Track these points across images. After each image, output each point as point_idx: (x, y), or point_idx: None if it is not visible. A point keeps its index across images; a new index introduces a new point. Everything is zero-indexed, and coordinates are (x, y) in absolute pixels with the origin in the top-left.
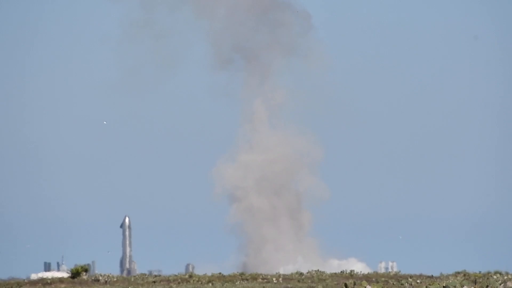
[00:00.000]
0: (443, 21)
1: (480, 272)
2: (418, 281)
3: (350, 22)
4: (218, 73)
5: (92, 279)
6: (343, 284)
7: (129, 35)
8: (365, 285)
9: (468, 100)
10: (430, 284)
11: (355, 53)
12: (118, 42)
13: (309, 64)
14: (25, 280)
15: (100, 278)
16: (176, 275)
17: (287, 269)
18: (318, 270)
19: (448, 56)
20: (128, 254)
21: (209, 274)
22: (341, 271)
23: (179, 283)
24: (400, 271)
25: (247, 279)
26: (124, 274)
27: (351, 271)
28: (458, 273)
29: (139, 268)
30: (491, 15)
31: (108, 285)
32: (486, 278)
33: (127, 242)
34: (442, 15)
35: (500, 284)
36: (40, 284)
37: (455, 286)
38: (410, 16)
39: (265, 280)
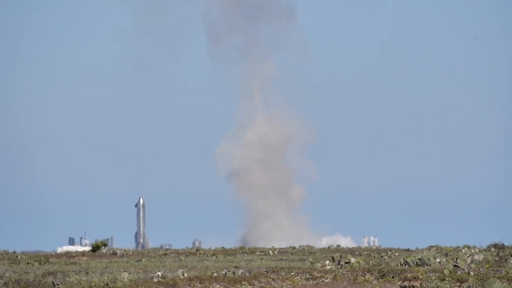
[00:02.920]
0: (443, 21)
1: (450, 246)
2: (396, 254)
3: (349, 20)
4: (218, 64)
5: (111, 253)
6: (331, 257)
7: (138, 30)
8: (350, 258)
9: (467, 100)
10: (407, 257)
11: (352, 50)
12: (128, 36)
13: (301, 57)
14: (52, 253)
15: (118, 251)
16: (184, 249)
17: (281, 243)
18: (308, 244)
19: (448, 56)
20: (142, 231)
21: (213, 248)
22: (328, 246)
23: (187, 256)
24: (380, 245)
25: (246, 253)
26: (139, 248)
27: (338, 245)
28: (432, 247)
29: (152, 243)
30: (491, 15)
31: (124, 258)
32: (456, 252)
33: (141, 220)
34: (442, 15)
35: (468, 257)
36: (65, 257)
37: (428, 259)
38: (410, 15)
39: (262, 253)
